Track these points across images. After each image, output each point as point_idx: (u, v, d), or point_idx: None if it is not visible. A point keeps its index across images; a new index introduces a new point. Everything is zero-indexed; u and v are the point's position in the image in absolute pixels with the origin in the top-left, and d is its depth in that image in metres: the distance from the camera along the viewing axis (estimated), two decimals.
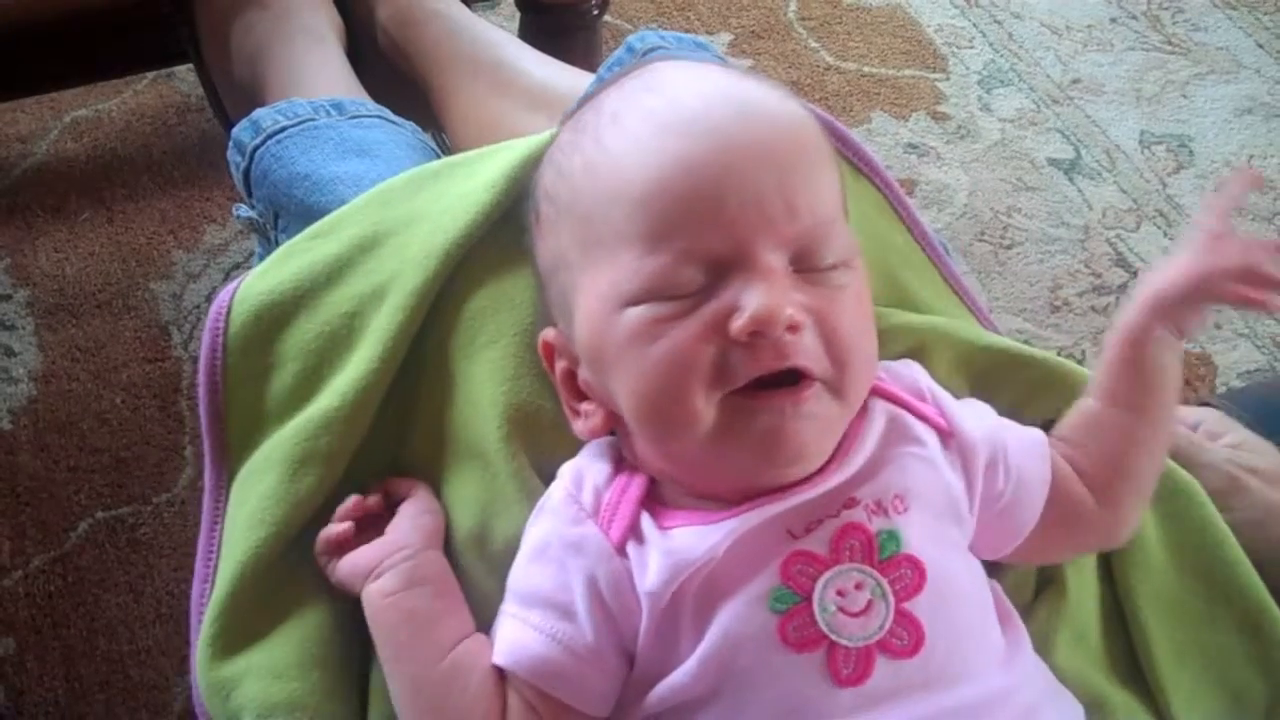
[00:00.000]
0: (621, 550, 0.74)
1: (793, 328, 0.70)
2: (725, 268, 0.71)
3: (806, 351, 0.71)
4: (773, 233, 0.72)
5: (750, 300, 0.70)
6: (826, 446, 0.75)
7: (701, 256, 0.71)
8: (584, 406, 0.80)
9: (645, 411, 0.74)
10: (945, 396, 0.82)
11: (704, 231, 0.71)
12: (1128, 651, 0.85)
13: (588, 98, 0.84)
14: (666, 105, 0.75)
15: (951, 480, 0.77)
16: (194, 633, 0.83)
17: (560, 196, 0.78)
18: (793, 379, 0.71)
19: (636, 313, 0.72)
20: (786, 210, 0.72)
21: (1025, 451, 0.81)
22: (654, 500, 0.77)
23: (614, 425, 0.79)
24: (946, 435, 0.79)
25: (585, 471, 0.79)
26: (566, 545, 0.75)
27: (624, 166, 0.74)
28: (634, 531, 0.75)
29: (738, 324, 0.70)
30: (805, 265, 0.73)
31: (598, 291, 0.74)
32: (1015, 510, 0.80)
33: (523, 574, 0.76)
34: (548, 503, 0.78)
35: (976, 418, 0.81)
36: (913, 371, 0.83)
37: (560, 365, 0.81)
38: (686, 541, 0.73)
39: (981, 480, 0.79)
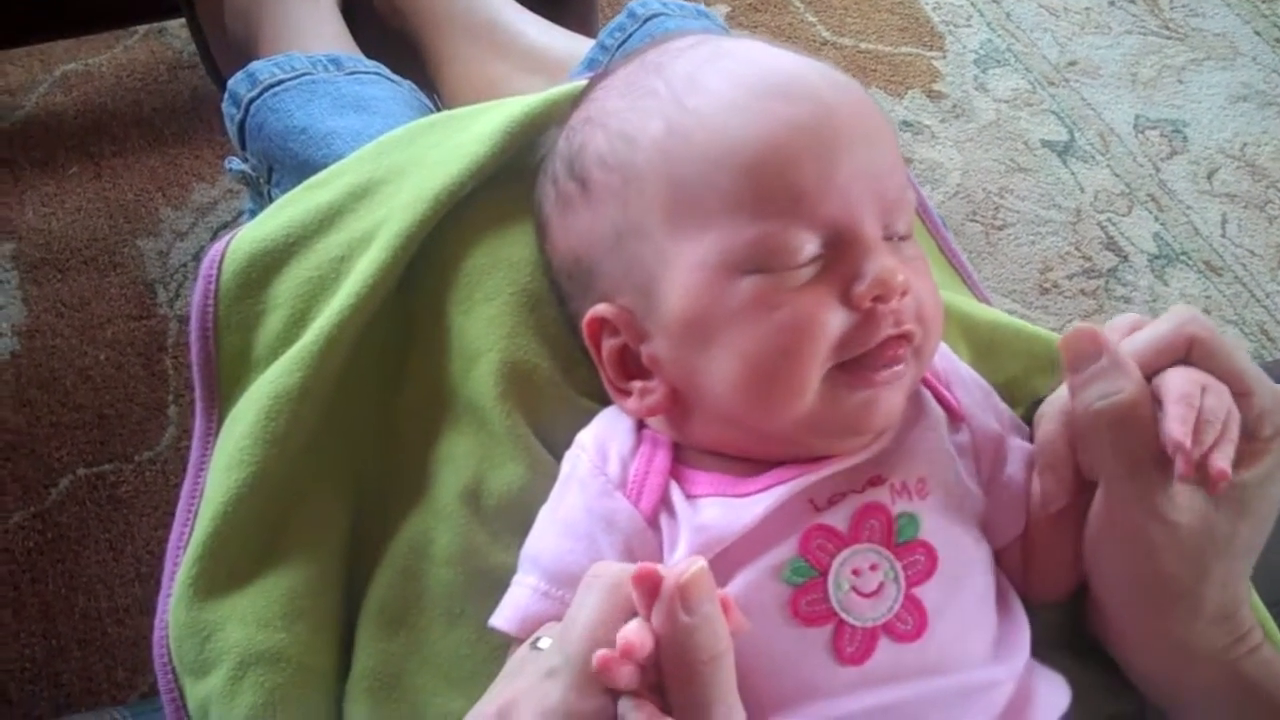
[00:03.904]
0: (654, 523, 0.73)
1: (905, 292, 0.70)
2: (837, 235, 0.70)
3: (911, 317, 0.72)
4: (875, 201, 0.71)
5: (870, 266, 0.70)
6: (901, 409, 0.75)
7: (818, 223, 0.70)
8: (637, 385, 0.77)
9: (755, 380, 0.71)
10: (960, 381, 0.81)
11: (819, 198, 0.70)
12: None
13: (611, 68, 0.82)
14: (754, 69, 0.73)
15: (960, 465, 0.77)
16: (168, 576, 0.82)
17: (633, 162, 0.75)
18: (890, 348, 0.71)
19: (754, 281, 0.70)
20: (883, 179, 0.72)
21: (1021, 460, 0.79)
22: (678, 462, 0.76)
23: (675, 402, 0.76)
24: (958, 418, 0.78)
25: (608, 441, 0.77)
26: (597, 520, 0.73)
27: (726, 129, 0.71)
28: (665, 503, 0.74)
29: (861, 287, 0.69)
30: (889, 234, 0.73)
31: (698, 260, 0.72)
32: (1002, 515, 0.79)
33: (551, 547, 0.74)
34: (574, 473, 0.76)
35: (989, 409, 0.80)
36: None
37: (612, 343, 0.77)
38: (715, 517, 0.72)
39: (987, 472, 0.78)
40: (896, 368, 0.72)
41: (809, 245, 0.70)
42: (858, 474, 0.73)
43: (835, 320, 0.70)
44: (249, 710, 0.76)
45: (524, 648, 0.67)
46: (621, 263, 0.76)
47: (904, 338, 0.71)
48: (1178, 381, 0.71)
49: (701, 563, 0.60)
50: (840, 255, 0.71)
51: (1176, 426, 0.69)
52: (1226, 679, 0.76)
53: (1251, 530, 0.74)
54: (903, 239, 0.74)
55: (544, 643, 0.65)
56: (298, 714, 0.77)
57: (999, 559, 0.78)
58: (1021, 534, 0.78)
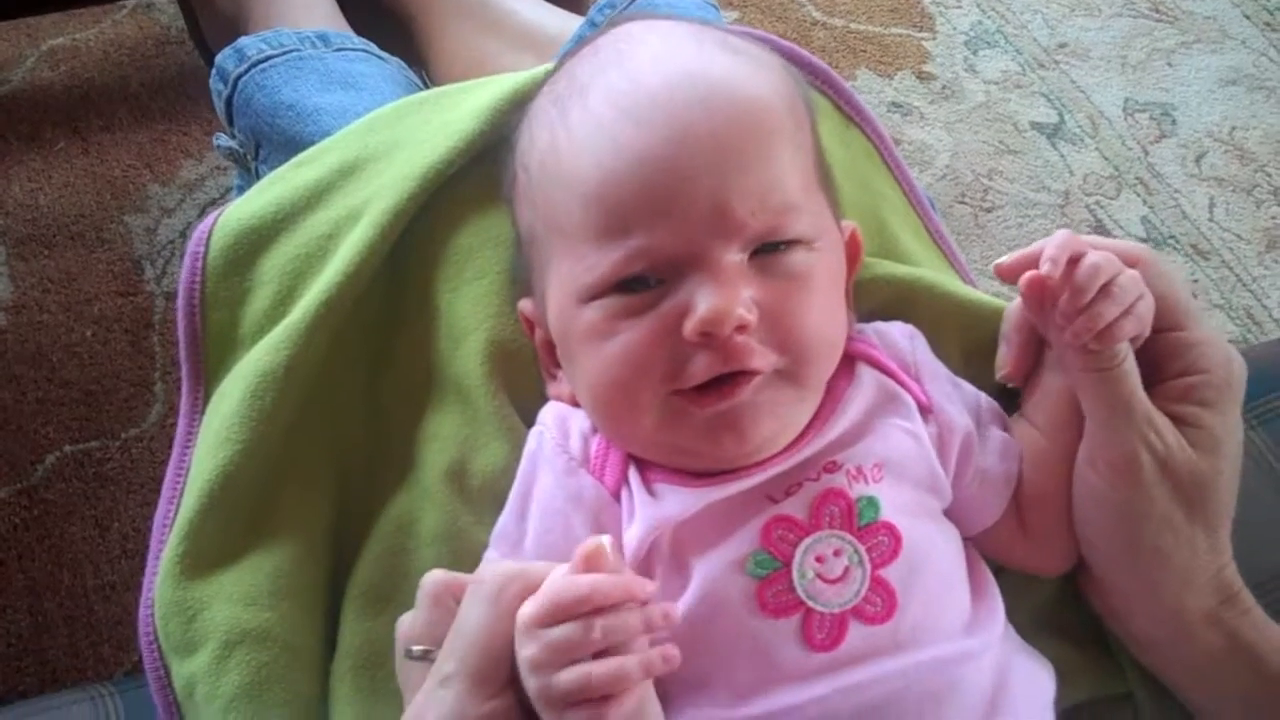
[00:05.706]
0: (617, 496, 0.74)
1: (742, 328, 0.69)
2: (678, 263, 0.71)
3: (755, 350, 0.71)
4: (726, 229, 0.71)
5: (700, 302, 0.69)
6: (780, 430, 0.74)
7: (654, 254, 0.71)
8: (559, 373, 0.81)
9: (598, 404, 0.75)
10: (931, 374, 0.81)
11: (655, 229, 0.70)
12: (1086, 610, 0.85)
13: (575, 49, 0.82)
14: (629, 86, 0.73)
15: (930, 453, 0.77)
16: (153, 554, 0.82)
17: (531, 170, 0.78)
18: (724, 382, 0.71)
19: (594, 309, 0.72)
20: (742, 206, 0.71)
21: (998, 450, 0.80)
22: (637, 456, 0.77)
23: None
24: (925, 410, 0.78)
25: (568, 417, 0.79)
26: (567, 498, 0.75)
27: (580, 154, 0.73)
28: (625, 480, 0.75)
29: (688, 326, 0.69)
30: (763, 248, 0.72)
31: (561, 282, 0.75)
32: (978, 503, 0.80)
33: (532, 527, 0.76)
34: (540, 451, 0.78)
35: (959, 402, 0.80)
36: (906, 341, 0.82)
37: (539, 333, 0.81)
38: (667, 498, 0.73)
39: (954, 464, 0.78)
40: (736, 398, 0.71)
41: (640, 274, 0.71)
42: (811, 463, 0.74)
43: (663, 352, 0.70)
44: (235, 689, 0.77)
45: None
46: (533, 262, 0.79)
47: (744, 373, 0.71)
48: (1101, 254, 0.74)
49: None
50: (679, 284, 0.71)
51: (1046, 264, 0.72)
52: (1226, 642, 0.77)
53: (1232, 470, 0.77)
54: (794, 243, 0.73)
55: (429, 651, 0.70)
56: (284, 693, 0.77)
57: (991, 538, 0.80)
58: (1014, 502, 0.80)
